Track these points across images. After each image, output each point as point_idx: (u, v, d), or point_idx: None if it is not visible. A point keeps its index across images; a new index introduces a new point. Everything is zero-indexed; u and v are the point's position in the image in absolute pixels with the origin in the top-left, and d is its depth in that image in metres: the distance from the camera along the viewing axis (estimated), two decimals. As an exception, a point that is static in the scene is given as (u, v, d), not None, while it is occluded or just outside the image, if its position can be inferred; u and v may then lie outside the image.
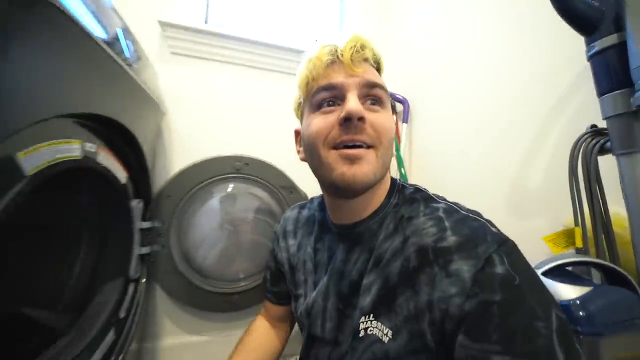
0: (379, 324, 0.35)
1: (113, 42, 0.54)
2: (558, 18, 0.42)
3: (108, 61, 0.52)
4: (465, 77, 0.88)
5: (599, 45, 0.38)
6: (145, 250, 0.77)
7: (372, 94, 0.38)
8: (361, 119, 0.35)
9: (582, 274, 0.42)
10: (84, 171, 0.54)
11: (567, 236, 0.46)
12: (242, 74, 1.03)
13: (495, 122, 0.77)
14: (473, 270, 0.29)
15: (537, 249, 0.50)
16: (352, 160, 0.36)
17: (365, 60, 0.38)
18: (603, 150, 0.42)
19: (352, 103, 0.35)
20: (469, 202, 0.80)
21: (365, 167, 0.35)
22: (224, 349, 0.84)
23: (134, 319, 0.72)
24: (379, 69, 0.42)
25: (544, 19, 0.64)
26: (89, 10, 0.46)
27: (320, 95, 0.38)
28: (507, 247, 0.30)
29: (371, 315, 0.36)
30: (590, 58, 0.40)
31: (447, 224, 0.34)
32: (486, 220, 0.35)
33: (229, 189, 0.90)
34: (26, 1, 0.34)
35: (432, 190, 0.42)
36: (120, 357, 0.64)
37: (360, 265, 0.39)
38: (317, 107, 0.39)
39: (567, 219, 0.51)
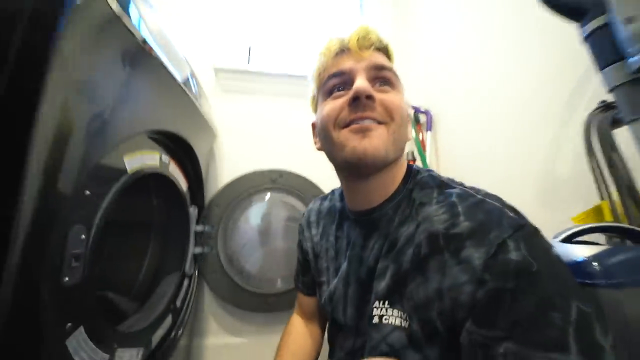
0: (396, 311, 0.34)
1: (186, 82, 0.72)
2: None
3: (183, 95, 0.70)
4: (483, 80, 0.92)
5: (589, 27, 0.43)
6: (198, 250, 0.90)
7: (381, 76, 0.39)
8: (369, 97, 0.36)
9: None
10: (158, 177, 0.70)
11: (597, 213, 0.44)
12: (277, 101, 1.20)
13: (517, 120, 0.79)
14: (484, 257, 0.27)
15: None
16: (363, 132, 0.35)
17: (372, 45, 0.40)
18: (616, 123, 0.44)
19: (359, 82, 0.36)
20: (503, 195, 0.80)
21: (375, 140, 0.35)
22: (260, 351, 0.89)
23: (187, 309, 0.82)
24: (388, 56, 0.43)
25: (550, 20, 0.68)
26: (173, 61, 0.65)
27: (331, 82, 0.40)
28: (524, 231, 0.28)
29: (386, 302, 0.35)
30: (585, 40, 0.44)
31: (460, 209, 0.33)
32: (507, 205, 0.33)
33: (266, 198, 1.01)
34: (140, 58, 0.51)
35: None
36: (175, 339, 0.73)
37: (376, 251, 0.39)
38: (329, 93, 0.40)
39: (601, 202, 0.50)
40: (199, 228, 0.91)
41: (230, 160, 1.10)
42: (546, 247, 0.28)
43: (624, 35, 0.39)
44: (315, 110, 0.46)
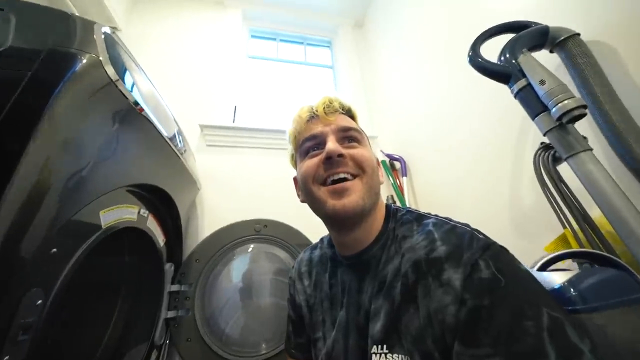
0: (396, 355, 0.33)
1: (172, 138, 0.75)
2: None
3: (170, 151, 0.72)
4: (444, 128, 1.04)
5: (516, 87, 0.53)
6: (171, 314, 0.80)
7: (348, 135, 0.45)
8: (340, 155, 0.41)
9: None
10: (133, 232, 0.67)
11: (564, 241, 0.48)
12: (260, 154, 1.26)
13: (477, 160, 0.88)
14: (462, 277, 0.30)
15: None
16: (340, 193, 0.40)
17: (336, 110, 0.46)
18: (557, 160, 0.50)
19: (330, 144, 0.42)
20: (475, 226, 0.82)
21: (352, 196, 0.40)
22: None
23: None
24: (353, 117, 0.50)
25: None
26: (160, 118, 0.69)
27: (306, 145, 0.45)
28: (491, 251, 0.31)
29: (384, 346, 0.35)
30: (516, 96, 0.54)
31: (436, 235, 0.36)
32: (474, 229, 0.37)
33: (250, 249, 0.97)
34: (130, 118, 0.54)
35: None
36: None
37: (369, 293, 0.40)
38: (305, 154, 0.46)
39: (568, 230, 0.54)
40: (175, 287, 0.84)
41: (213, 212, 1.08)
42: (511, 262, 0.31)
43: (541, 94, 0.48)
44: (295, 166, 0.52)
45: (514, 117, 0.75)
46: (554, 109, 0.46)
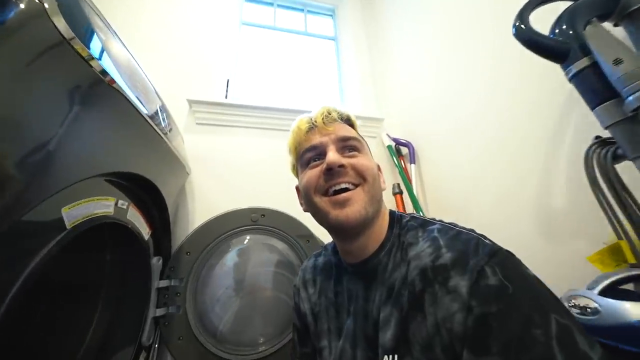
0: None
1: (153, 116, 0.63)
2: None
3: (150, 131, 0.61)
4: (465, 113, 0.94)
5: (574, 67, 0.43)
6: (160, 312, 0.74)
7: (348, 145, 0.45)
8: (341, 165, 0.41)
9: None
10: (112, 227, 0.57)
11: (614, 252, 0.42)
12: (256, 135, 1.14)
13: (503, 152, 0.79)
14: (468, 284, 0.30)
15: (583, 272, 0.45)
16: (342, 204, 0.40)
17: (335, 120, 0.46)
18: (617, 158, 0.42)
19: (331, 155, 0.42)
20: (495, 229, 0.76)
21: (354, 205, 0.40)
22: None
23: (142, 397, 0.64)
24: (352, 125, 0.50)
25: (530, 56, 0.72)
26: (138, 92, 0.57)
27: (307, 156, 0.46)
28: (498, 257, 0.31)
29: (395, 356, 0.34)
30: (571, 80, 0.44)
31: (441, 242, 0.36)
32: (479, 234, 0.36)
33: (246, 241, 0.90)
34: (96, 89, 0.43)
35: (456, 222, 0.42)
36: None
37: (377, 302, 0.40)
38: (306, 164, 0.46)
39: (609, 236, 0.47)
40: (164, 283, 0.76)
41: (204, 200, 0.99)
42: (518, 268, 0.31)
43: (615, 77, 0.39)
44: (297, 176, 0.51)
45: (551, 105, 0.66)
46: (630, 98, 0.37)
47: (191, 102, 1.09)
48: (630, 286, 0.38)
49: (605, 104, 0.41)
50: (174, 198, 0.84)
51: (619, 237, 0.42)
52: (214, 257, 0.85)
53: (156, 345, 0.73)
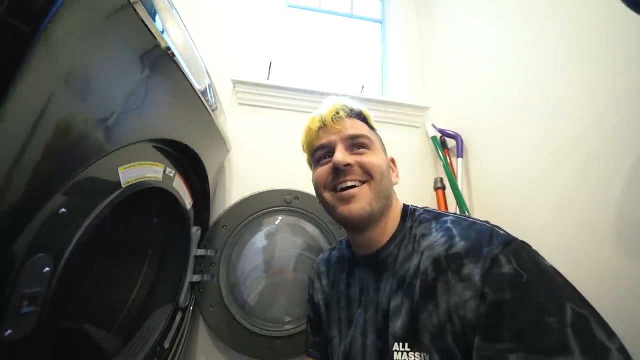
0: (417, 354, 0.33)
1: (204, 91, 0.65)
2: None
3: (200, 106, 0.63)
4: (530, 105, 0.82)
5: None
6: (196, 278, 0.78)
7: (356, 143, 0.46)
8: (347, 164, 0.43)
9: None
10: (160, 193, 0.61)
11: None
12: (295, 118, 1.13)
13: (578, 148, 0.68)
14: (481, 271, 0.30)
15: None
16: (347, 200, 0.42)
17: (343, 118, 0.47)
18: None
19: (337, 155, 0.43)
20: (559, 242, 0.66)
21: (358, 202, 0.42)
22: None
23: (176, 351, 0.69)
24: (365, 118, 0.50)
25: (621, 27, 0.60)
26: (191, 68, 0.58)
27: (317, 154, 0.48)
28: (513, 247, 0.31)
29: (405, 344, 0.35)
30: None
31: (455, 231, 0.37)
32: (494, 225, 0.37)
33: (277, 221, 0.91)
34: (158, 62, 0.44)
35: (507, 229, 0.37)
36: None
37: (387, 292, 0.41)
38: (317, 162, 0.49)
39: None
40: (201, 252, 0.80)
41: (241, 177, 1.01)
42: (534, 258, 0.31)
43: None
44: (311, 168, 0.55)
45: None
46: None
47: (235, 82, 1.11)
48: None
49: None
50: (215, 173, 0.87)
51: None
52: (247, 233, 0.87)
53: (191, 308, 0.78)
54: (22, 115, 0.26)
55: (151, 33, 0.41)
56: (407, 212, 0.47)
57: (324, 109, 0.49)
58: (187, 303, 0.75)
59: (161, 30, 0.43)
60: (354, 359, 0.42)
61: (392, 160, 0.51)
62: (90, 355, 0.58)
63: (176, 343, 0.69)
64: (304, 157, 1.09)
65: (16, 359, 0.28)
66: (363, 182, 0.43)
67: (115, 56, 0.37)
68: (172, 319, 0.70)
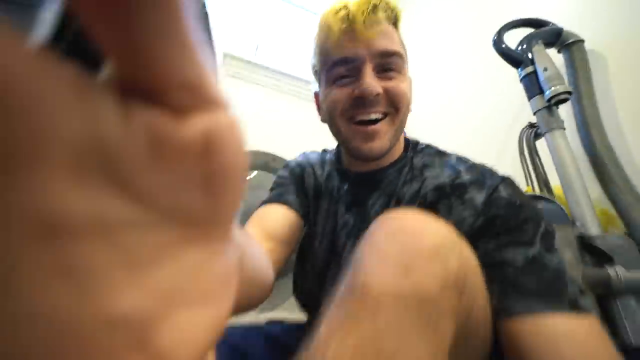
0: None
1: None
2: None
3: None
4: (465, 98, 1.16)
5: (523, 72, 0.65)
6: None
7: (388, 62, 0.36)
8: (377, 94, 0.35)
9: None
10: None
11: None
12: (278, 98, 1.30)
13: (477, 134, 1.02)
14: (484, 197, 0.33)
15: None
16: (370, 137, 0.36)
17: (380, 21, 0.36)
18: (537, 136, 0.66)
19: (367, 82, 0.35)
20: None
21: (381, 140, 0.37)
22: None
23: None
24: (396, 24, 0.39)
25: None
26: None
27: (336, 71, 0.37)
28: (509, 181, 0.36)
29: None
30: (521, 80, 0.66)
31: (461, 168, 0.37)
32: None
33: (251, 176, 1.02)
34: None
35: None
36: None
37: (378, 207, 0.40)
38: (333, 81, 0.38)
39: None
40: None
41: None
42: (522, 192, 0.37)
43: (542, 79, 0.61)
44: (317, 81, 0.43)
45: (514, 103, 0.88)
46: (547, 92, 0.59)
47: (225, 55, 1.23)
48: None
49: (536, 96, 0.63)
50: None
51: (527, 185, 0.66)
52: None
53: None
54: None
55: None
56: (410, 144, 0.45)
57: (352, 1, 0.36)
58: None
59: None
60: (333, 258, 0.41)
61: (410, 84, 0.42)
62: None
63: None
64: (285, 130, 1.26)
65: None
66: (385, 115, 0.37)
67: None
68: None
